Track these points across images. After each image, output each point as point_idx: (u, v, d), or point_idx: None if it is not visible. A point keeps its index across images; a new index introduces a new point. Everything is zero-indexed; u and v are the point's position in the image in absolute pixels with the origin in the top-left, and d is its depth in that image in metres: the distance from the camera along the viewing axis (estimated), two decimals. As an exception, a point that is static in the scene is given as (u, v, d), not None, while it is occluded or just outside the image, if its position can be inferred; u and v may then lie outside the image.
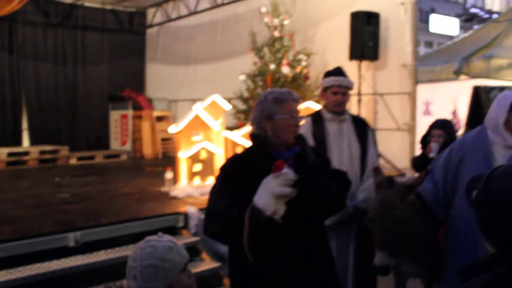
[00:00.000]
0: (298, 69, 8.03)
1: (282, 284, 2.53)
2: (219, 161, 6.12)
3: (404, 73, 7.84)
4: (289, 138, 2.61)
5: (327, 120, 3.95)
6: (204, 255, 4.81)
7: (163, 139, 10.67)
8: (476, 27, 22.66)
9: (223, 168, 2.62)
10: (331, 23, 8.60)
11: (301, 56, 8.10)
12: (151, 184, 6.66)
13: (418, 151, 8.03)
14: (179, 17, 11.99)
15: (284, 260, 2.51)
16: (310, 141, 3.80)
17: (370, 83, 8.17)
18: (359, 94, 7.90)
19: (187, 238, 4.79)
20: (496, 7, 37.74)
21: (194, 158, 5.90)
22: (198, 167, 5.95)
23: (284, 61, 7.90)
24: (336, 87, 3.89)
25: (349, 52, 7.90)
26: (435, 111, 9.93)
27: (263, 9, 8.11)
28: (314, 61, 8.45)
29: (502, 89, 8.34)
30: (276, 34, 8.00)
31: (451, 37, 32.46)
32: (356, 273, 3.90)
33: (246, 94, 8.21)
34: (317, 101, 7.45)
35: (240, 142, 6.33)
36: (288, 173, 2.34)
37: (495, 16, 18.36)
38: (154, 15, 13.03)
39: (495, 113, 3.49)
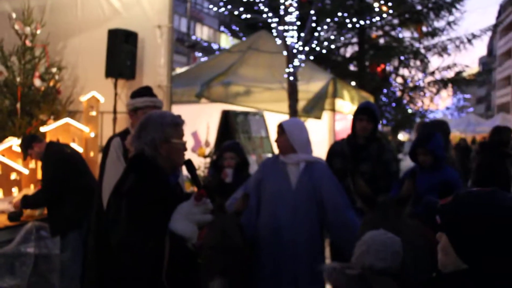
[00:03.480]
0: (51, 83, 7.58)
1: None
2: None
3: (159, 94, 7.92)
4: (181, 162, 2.58)
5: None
6: None
7: None
8: (198, 53, 24.32)
9: (124, 193, 2.41)
10: (84, 37, 8.28)
11: (54, 70, 7.67)
12: None
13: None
14: None
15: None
16: (122, 162, 3.72)
17: (125, 101, 8.12)
18: (115, 112, 7.78)
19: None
20: (205, 37, 40.96)
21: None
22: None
23: (36, 73, 7.38)
24: (151, 108, 3.88)
25: (106, 69, 7.74)
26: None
27: (14, 15, 7.46)
28: (64, 75, 8.09)
29: (246, 114, 9.15)
30: (28, 43, 7.43)
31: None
32: None
33: (-11, 107, 7.41)
34: (72, 117, 7.16)
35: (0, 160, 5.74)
36: (209, 202, 2.33)
37: (214, 45, 19.88)
38: None
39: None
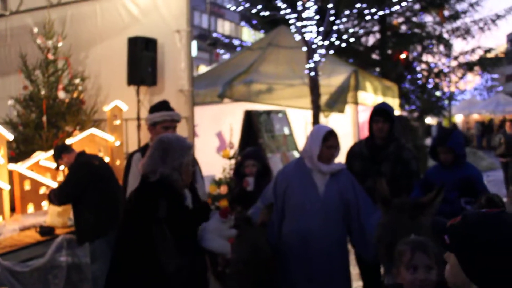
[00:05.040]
0: (75, 94, 7.71)
1: None
2: (6, 197, 5.60)
3: (181, 98, 8.04)
4: (189, 183, 2.68)
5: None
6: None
7: None
8: (219, 50, 24.38)
9: (164, 220, 2.50)
10: (105, 46, 8.39)
11: (77, 81, 7.80)
12: None
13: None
14: None
15: None
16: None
17: (148, 107, 8.18)
18: (138, 119, 7.86)
19: (-7, 288, 4.27)
20: (226, 31, 41.02)
21: (-20, 196, 5.27)
22: (-16, 205, 5.33)
23: (60, 86, 7.52)
24: (168, 122, 3.95)
25: (127, 77, 7.82)
26: (201, 133, 10.42)
27: (36, 29, 7.60)
28: (87, 85, 8.22)
29: (269, 113, 9.17)
30: (50, 57, 7.57)
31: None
32: None
33: (16, 120, 7.57)
34: (97, 127, 7.27)
35: (28, 175, 5.87)
36: (233, 218, 2.45)
37: (235, 41, 19.86)
38: None
39: (309, 146, 3.95)
